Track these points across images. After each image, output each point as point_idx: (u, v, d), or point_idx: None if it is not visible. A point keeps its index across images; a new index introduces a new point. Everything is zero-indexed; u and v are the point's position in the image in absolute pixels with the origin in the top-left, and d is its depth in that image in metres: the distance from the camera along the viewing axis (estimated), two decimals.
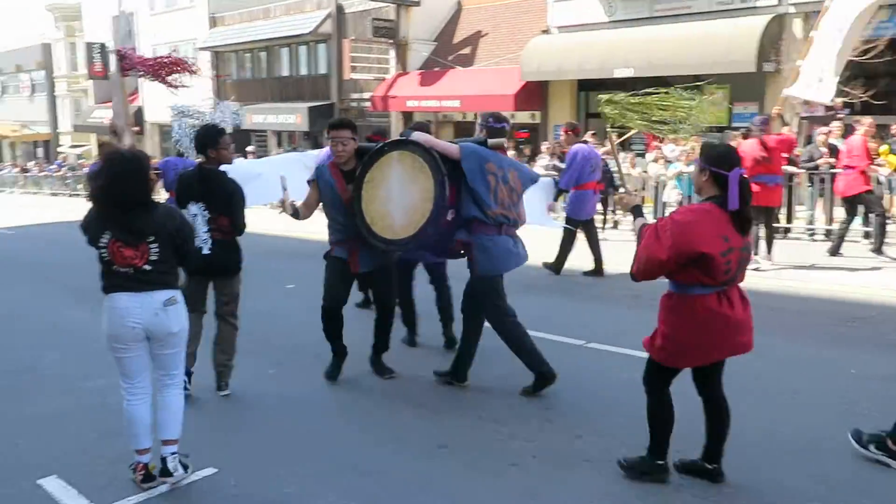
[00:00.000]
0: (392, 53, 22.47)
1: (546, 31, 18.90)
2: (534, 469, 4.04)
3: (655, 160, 13.90)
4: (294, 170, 7.06)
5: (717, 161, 3.52)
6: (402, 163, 4.90)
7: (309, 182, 5.38)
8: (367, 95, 22.88)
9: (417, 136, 5.03)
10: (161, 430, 3.90)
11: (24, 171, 36.14)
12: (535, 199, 7.54)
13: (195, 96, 29.62)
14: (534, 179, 5.34)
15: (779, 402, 4.92)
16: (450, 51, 22.26)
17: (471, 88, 19.83)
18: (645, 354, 3.83)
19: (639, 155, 15.32)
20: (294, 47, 26.13)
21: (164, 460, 3.88)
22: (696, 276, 3.48)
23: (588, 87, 18.71)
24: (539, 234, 7.66)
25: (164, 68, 5.98)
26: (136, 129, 33.47)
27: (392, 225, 4.91)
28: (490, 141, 5.04)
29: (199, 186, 4.91)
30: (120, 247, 3.68)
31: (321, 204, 5.35)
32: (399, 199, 4.88)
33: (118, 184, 3.64)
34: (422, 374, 5.57)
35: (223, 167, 5.05)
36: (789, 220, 11.75)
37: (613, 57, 16.50)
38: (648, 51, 15.90)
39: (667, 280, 3.64)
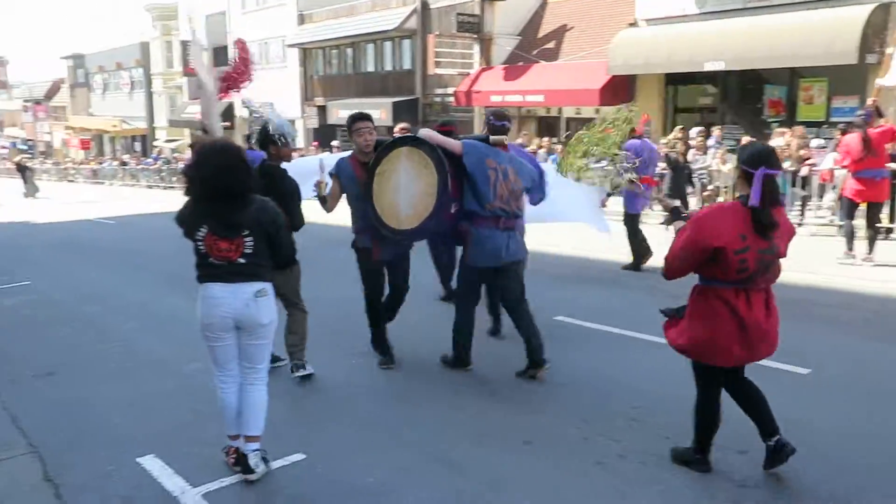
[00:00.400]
0: (476, 48, 22.45)
1: (633, 24, 18.50)
2: (620, 469, 3.96)
3: None
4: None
5: (748, 160, 3.54)
6: (410, 158, 5.17)
7: (331, 175, 5.53)
8: (450, 90, 22.94)
9: (423, 132, 5.30)
10: (244, 426, 3.94)
11: (123, 164, 37.88)
12: (586, 197, 7.57)
13: (283, 92, 30.40)
14: (534, 178, 5.44)
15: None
16: (534, 45, 22.07)
17: (555, 83, 19.62)
18: None
19: (730, 151, 14.82)
20: (379, 43, 26.45)
21: (245, 457, 3.92)
22: (713, 272, 3.57)
23: (677, 80, 18.24)
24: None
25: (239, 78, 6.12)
26: (227, 123, 34.63)
27: (398, 215, 5.19)
28: (491, 138, 5.23)
29: (260, 182, 4.84)
30: (216, 240, 3.75)
31: (345, 195, 5.54)
32: (406, 192, 5.16)
33: (220, 177, 3.66)
34: (503, 369, 5.54)
35: (284, 164, 5.22)
36: (892, 219, 11.15)
37: (704, 50, 16.02)
38: (741, 43, 15.36)
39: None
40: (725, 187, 13.14)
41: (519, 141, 17.11)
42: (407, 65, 25.50)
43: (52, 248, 13.13)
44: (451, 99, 22.86)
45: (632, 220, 9.13)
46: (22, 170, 29.84)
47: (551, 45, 21.68)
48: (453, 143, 5.11)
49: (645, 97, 18.71)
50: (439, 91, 24.05)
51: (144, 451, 4.28)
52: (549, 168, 6.14)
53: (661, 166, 11.96)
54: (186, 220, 3.83)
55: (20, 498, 3.84)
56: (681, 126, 16.20)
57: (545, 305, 7.42)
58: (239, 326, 3.86)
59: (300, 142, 28.98)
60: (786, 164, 11.33)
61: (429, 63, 22.76)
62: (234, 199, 3.71)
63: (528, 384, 5.27)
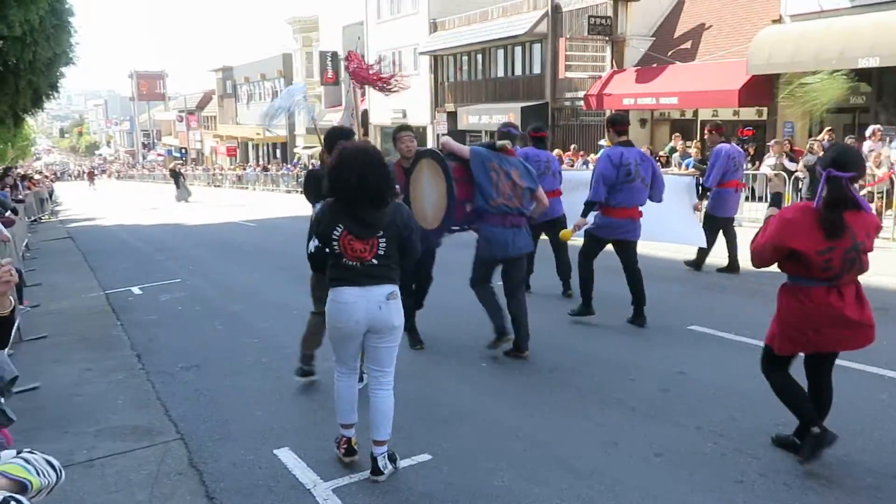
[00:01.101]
0: (608, 50, 22.05)
1: (778, 21, 17.57)
2: (761, 488, 3.75)
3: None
4: None
5: (826, 161, 3.66)
6: (429, 168, 5.86)
7: None
8: (580, 94, 22.64)
9: (443, 140, 6.16)
10: (373, 431, 4.00)
11: (265, 169, 39.95)
12: (681, 209, 8.71)
13: (415, 98, 31.09)
14: (533, 179, 5.91)
15: None
16: (669, 46, 21.41)
17: (690, 84, 18.93)
18: None
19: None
20: (509, 48, 26.50)
21: (374, 459, 3.98)
22: (797, 269, 3.74)
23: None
24: None
25: (380, 80, 6.48)
26: (361, 131, 35.78)
27: (426, 217, 5.82)
28: (497, 143, 5.95)
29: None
30: (351, 240, 3.79)
31: None
32: (428, 197, 5.87)
33: (365, 177, 3.70)
34: (634, 377, 5.39)
35: None
36: None
37: (856, 45, 14.97)
38: None
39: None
40: (879, 193, 12.22)
41: (669, 145, 16.61)
42: (537, 69, 25.41)
43: (201, 247, 14.03)
44: (581, 103, 22.55)
45: (723, 224, 9.41)
46: (175, 175, 32.10)
47: (687, 45, 20.96)
48: (464, 150, 5.91)
49: (789, 97, 17.72)
50: (569, 95, 23.79)
51: (281, 444, 4.47)
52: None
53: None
54: (324, 219, 3.88)
55: (168, 482, 4.10)
56: (829, 128, 15.24)
57: (677, 312, 7.18)
58: (370, 330, 3.90)
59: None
60: None
61: (559, 67, 22.55)
62: (374, 200, 3.76)
63: (657, 396, 5.10)
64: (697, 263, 9.46)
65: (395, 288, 3.92)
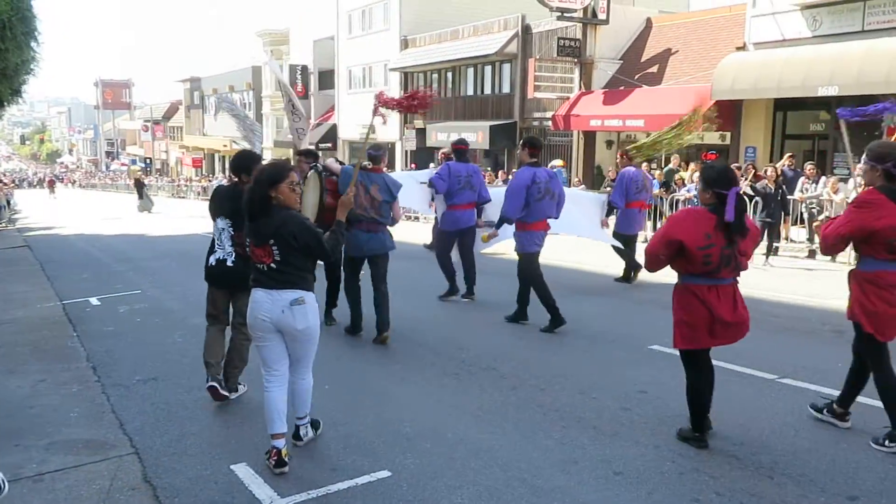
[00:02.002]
0: (576, 72, 22.33)
1: (742, 48, 17.98)
2: None
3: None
4: (408, 184, 8.69)
5: (719, 182, 4.22)
6: (313, 181, 6.82)
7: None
8: (549, 114, 22.87)
9: (327, 161, 7.28)
10: (296, 409, 4.49)
11: (231, 181, 39.58)
12: (589, 216, 10.09)
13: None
14: (392, 192, 6.99)
15: None
16: (636, 69, 21.76)
17: (656, 107, 19.23)
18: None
19: (842, 180, 14.12)
20: (480, 67, 26.71)
21: (296, 428, 4.54)
22: (683, 266, 4.28)
23: (786, 106, 17.57)
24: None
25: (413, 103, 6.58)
26: (329, 145, 35.71)
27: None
28: (363, 163, 6.76)
29: (229, 204, 5.18)
30: (253, 246, 4.25)
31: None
32: (308, 204, 6.53)
33: (246, 192, 4.28)
34: (595, 395, 5.42)
35: None
36: None
37: (817, 74, 15.37)
38: (857, 67, 14.65)
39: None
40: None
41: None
42: (506, 88, 25.62)
43: (163, 259, 13.81)
44: (550, 123, 22.77)
45: (627, 241, 10.32)
46: (139, 185, 31.66)
47: (654, 69, 21.32)
48: (337, 168, 7.06)
49: (751, 122, 18.12)
50: (537, 115, 24.02)
51: (238, 459, 4.40)
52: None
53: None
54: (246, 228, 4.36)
55: (121, 497, 4.00)
56: (789, 154, 15.60)
57: (638, 332, 7.24)
58: (280, 330, 4.24)
59: (398, 163, 29.56)
60: None
61: (528, 87, 22.78)
62: (257, 212, 4.20)
63: (619, 414, 5.13)
64: (626, 278, 10.23)
65: (300, 294, 4.21)
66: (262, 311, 4.21)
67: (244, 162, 5.29)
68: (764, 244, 11.73)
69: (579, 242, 10.34)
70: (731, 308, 4.31)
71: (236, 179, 5.38)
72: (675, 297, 4.46)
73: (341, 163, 7.98)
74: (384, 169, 7.32)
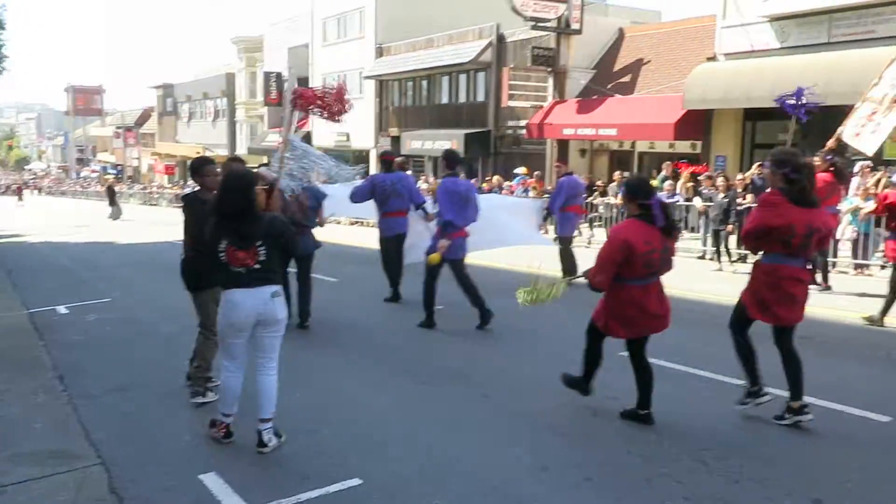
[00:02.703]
0: (550, 81, 22.49)
1: (712, 59, 18.22)
2: None
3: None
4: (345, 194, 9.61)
5: (641, 194, 4.80)
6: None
7: None
8: (523, 123, 22.99)
9: (261, 170, 6.86)
10: (260, 410, 4.58)
11: None
12: (526, 222, 10.67)
13: (359, 122, 31.11)
14: (318, 199, 7.97)
15: None
16: (609, 78, 21.98)
17: (629, 117, 19.44)
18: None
19: None
20: (454, 75, 26.79)
21: (260, 434, 4.56)
22: (625, 272, 4.76)
23: (755, 116, 17.81)
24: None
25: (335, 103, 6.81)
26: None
27: None
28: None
29: (184, 209, 5.63)
30: (234, 251, 4.43)
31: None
32: None
33: (230, 198, 4.45)
34: (568, 402, 5.44)
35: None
36: None
37: (785, 85, 15.44)
38: (824, 78, 14.88)
39: None
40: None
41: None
42: (481, 97, 25.72)
43: (134, 267, 13.64)
44: (524, 131, 22.90)
45: (564, 241, 10.87)
46: (111, 193, 31.26)
47: (626, 78, 21.54)
48: (272, 178, 6.86)
49: (721, 132, 18.35)
50: (511, 123, 24.14)
51: (206, 469, 4.35)
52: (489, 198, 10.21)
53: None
54: (211, 235, 4.53)
55: None
56: (759, 163, 15.81)
57: (609, 339, 7.28)
58: (259, 322, 4.52)
59: (373, 171, 29.51)
60: (868, 203, 10.87)
61: (502, 95, 22.89)
62: (244, 216, 4.44)
63: (589, 421, 5.15)
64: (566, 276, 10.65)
65: (278, 287, 4.58)
66: (243, 309, 4.47)
67: (195, 165, 5.79)
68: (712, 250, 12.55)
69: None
70: (657, 299, 4.91)
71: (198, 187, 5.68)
72: (609, 292, 4.94)
73: (388, 160, 9.33)
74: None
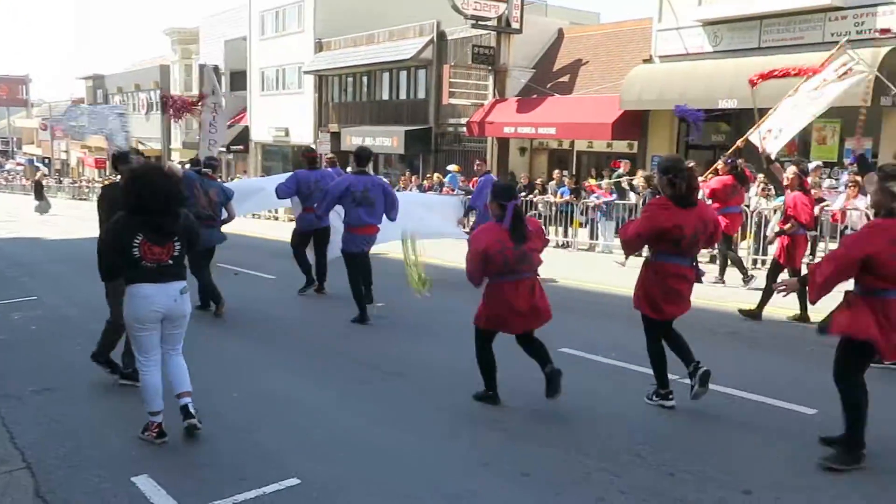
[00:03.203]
0: (490, 80, 22.61)
1: (648, 61, 18.60)
2: None
3: (758, 194, 13.31)
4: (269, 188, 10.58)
5: (502, 195, 5.18)
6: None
7: None
8: (463, 120, 23.07)
9: (167, 165, 8.23)
10: (176, 386, 4.70)
11: None
12: (444, 216, 11.46)
13: (298, 117, 30.72)
14: (226, 195, 8.75)
15: None
16: (548, 78, 22.22)
17: (567, 116, 19.69)
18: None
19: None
20: (395, 72, 26.69)
21: (184, 408, 4.65)
22: (489, 271, 5.14)
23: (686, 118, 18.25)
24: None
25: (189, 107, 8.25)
26: (241, 147, 34.95)
27: None
28: (203, 170, 8.78)
29: (103, 200, 5.82)
30: (150, 246, 4.47)
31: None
32: None
33: (161, 192, 4.47)
34: (505, 398, 5.48)
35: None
36: None
37: (717, 87, 16.04)
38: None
39: None
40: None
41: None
42: (421, 94, 25.69)
43: (61, 263, 13.16)
44: (464, 129, 22.98)
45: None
46: (38, 187, 30.13)
47: (565, 78, 21.81)
48: (177, 171, 7.79)
49: (657, 132, 18.76)
50: (452, 121, 24.19)
51: (138, 471, 4.23)
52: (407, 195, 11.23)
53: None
54: (122, 231, 4.50)
55: None
56: (691, 163, 16.20)
57: (549, 335, 7.36)
58: (165, 318, 4.59)
59: None
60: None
61: (443, 93, 22.91)
62: (169, 211, 4.51)
63: (529, 416, 5.20)
64: None
65: (185, 283, 4.69)
66: (154, 305, 4.53)
67: (122, 159, 6.04)
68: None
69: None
70: (527, 296, 5.17)
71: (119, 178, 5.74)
72: (484, 291, 5.29)
73: (312, 157, 10.04)
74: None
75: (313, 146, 10.20)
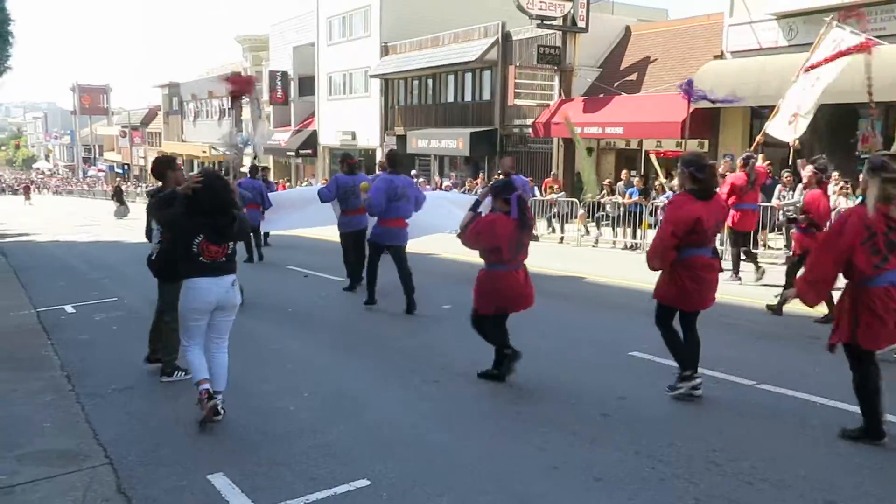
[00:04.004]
0: (556, 80, 22.43)
1: (720, 56, 18.14)
2: None
3: (835, 192, 12.86)
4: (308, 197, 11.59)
5: (503, 191, 5.74)
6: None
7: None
8: (529, 122, 22.94)
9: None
10: (216, 383, 5.07)
11: None
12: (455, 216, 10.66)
13: (364, 121, 31.08)
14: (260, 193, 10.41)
15: None
16: (616, 77, 21.90)
17: (635, 115, 19.36)
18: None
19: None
20: (460, 74, 26.74)
21: (215, 404, 4.95)
22: (491, 259, 5.72)
23: (762, 115, 17.71)
24: None
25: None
26: (309, 151, 35.57)
27: None
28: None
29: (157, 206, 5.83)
30: (208, 244, 4.95)
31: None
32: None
33: (220, 198, 4.98)
34: (575, 401, 5.41)
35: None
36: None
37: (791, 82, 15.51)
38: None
39: None
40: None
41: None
42: (486, 96, 25.68)
43: (140, 266, 13.58)
44: (530, 130, 22.84)
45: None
46: (117, 192, 31.34)
47: (633, 77, 21.46)
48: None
49: (729, 131, 18.28)
50: (517, 122, 24.09)
51: (214, 469, 4.34)
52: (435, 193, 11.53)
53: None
54: (184, 227, 4.98)
55: None
56: (767, 161, 15.72)
57: (618, 338, 7.25)
58: (218, 307, 5.05)
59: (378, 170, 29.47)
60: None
61: (508, 94, 22.83)
62: (226, 214, 4.99)
63: (598, 420, 5.12)
64: None
65: (235, 276, 5.17)
66: (210, 295, 4.99)
67: (167, 164, 6.29)
68: None
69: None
70: (523, 280, 5.79)
71: (160, 184, 6.10)
72: (479, 278, 5.85)
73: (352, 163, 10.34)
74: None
75: (383, 148, 10.79)
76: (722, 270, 5.58)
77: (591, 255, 11.14)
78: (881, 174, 4.40)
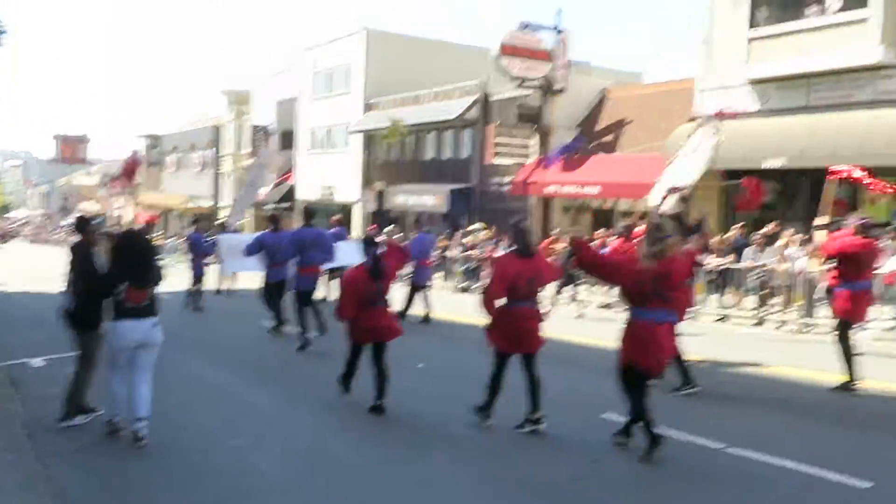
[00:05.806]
0: (535, 139, 22.82)
1: (693, 119, 18.58)
2: None
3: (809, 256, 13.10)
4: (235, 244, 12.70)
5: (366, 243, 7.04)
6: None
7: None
8: (507, 179, 23.23)
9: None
10: (137, 411, 5.76)
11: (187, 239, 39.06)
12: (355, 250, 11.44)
13: (344, 176, 31.23)
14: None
15: None
16: (592, 137, 22.33)
17: (612, 175, 19.69)
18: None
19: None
20: (441, 131, 27.12)
21: (137, 431, 5.68)
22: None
23: (734, 176, 18.09)
24: None
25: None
26: (287, 204, 35.63)
27: None
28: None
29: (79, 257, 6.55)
30: (135, 290, 5.73)
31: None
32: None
33: (146, 253, 5.96)
34: (548, 465, 5.37)
35: None
36: None
37: (764, 146, 15.92)
38: (803, 141, 15.24)
39: None
40: (788, 286, 12.81)
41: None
42: (466, 153, 26.02)
43: None
44: (508, 188, 23.11)
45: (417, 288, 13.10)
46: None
47: (609, 137, 21.90)
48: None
49: (702, 192, 18.60)
50: (496, 180, 24.38)
51: None
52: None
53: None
54: (116, 279, 5.74)
55: None
56: (741, 223, 16.01)
57: (591, 400, 7.22)
58: (140, 346, 5.81)
59: (357, 223, 29.59)
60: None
61: (487, 152, 23.17)
62: (149, 265, 5.91)
63: (568, 483, 5.07)
64: (403, 313, 11.99)
65: (157, 319, 5.92)
66: (135, 335, 5.79)
67: (79, 223, 7.01)
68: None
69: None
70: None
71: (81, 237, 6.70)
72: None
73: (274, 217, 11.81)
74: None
75: (363, 203, 11.82)
76: (541, 321, 6.28)
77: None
78: None
